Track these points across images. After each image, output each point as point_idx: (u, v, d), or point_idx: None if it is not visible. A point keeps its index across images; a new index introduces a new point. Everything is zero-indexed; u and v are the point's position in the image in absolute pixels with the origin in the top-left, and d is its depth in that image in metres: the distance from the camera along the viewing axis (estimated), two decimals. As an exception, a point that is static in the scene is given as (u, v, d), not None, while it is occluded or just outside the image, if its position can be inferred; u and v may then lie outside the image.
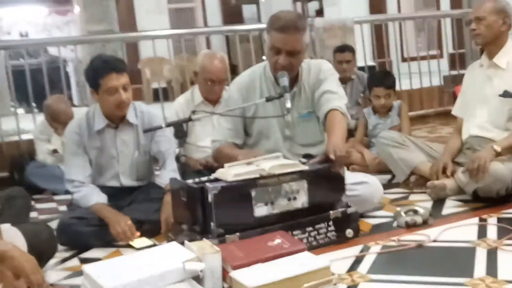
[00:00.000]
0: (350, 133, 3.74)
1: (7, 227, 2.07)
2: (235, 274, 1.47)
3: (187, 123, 2.39)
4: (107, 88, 2.53)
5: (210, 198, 1.95)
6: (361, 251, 2.05)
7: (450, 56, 6.17)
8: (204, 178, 2.18)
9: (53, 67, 7.13)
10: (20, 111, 6.20)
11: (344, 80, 4.22)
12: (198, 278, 1.50)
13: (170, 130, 2.65)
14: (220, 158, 2.53)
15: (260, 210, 2.03)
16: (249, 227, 1.99)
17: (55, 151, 4.02)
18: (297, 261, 1.52)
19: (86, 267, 1.47)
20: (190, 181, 2.13)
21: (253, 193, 2.02)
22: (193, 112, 2.50)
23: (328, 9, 8.18)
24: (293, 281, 1.43)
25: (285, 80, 2.40)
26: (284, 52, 2.37)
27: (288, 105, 2.34)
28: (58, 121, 3.99)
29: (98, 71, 2.54)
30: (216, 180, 2.11)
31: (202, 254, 1.52)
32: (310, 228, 2.11)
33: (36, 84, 4.88)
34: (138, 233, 2.45)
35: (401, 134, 3.13)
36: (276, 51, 2.39)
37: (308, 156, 2.43)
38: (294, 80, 2.51)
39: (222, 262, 1.53)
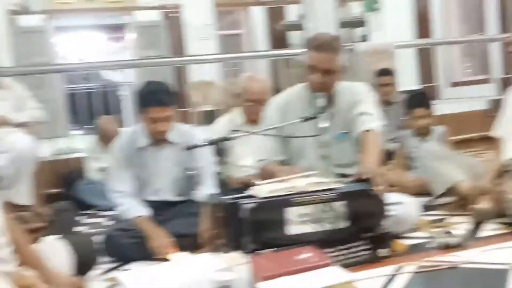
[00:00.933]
0: (391, 155, 3.74)
1: (51, 239, 2.19)
2: (263, 285, 1.52)
3: (226, 142, 2.48)
4: (149, 118, 2.68)
5: (243, 214, 2.01)
6: (395, 271, 2.05)
7: (499, 80, 6.07)
8: (240, 195, 2.25)
9: (107, 90, 7.43)
10: (76, 132, 6.48)
11: (386, 103, 4.24)
12: (228, 288, 1.55)
13: (210, 149, 2.76)
14: (264, 176, 2.60)
15: (294, 228, 2.07)
16: (282, 244, 2.02)
17: (103, 169, 4.21)
18: (322, 275, 1.56)
19: (121, 275, 1.56)
20: (226, 197, 2.20)
21: (286, 211, 2.06)
22: (232, 131, 2.59)
23: (374, 34, 8.18)
24: (318, 293, 1.47)
25: (321, 101, 2.47)
26: (320, 70, 2.46)
27: (324, 125, 2.40)
28: (107, 140, 4.17)
29: (145, 100, 2.70)
30: (251, 196, 2.17)
31: (232, 265, 1.58)
32: (344, 247, 2.13)
33: (90, 106, 5.14)
34: (171, 251, 2.52)
35: (443, 148, 3.12)
36: (312, 70, 2.48)
37: (343, 176, 2.47)
38: (331, 100, 2.57)
39: (251, 273, 1.58)
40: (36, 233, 2.31)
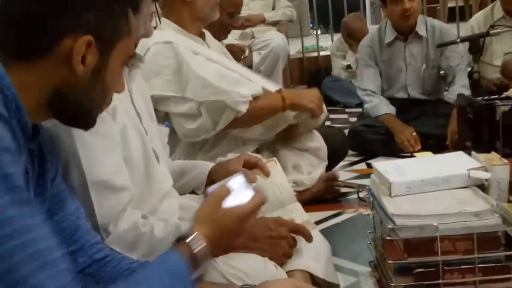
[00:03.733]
0: None
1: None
2: (523, 187, 1.45)
3: (483, 39, 2.31)
4: None
5: (498, 116, 1.90)
6: None
7: None
8: (494, 96, 2.11)
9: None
10: (320, 31, 6.64)
11: None
12: (482, 187, 1.52)
13: (464, 46, 2.60)
14: (507, 71, 2.41)
15: (558, 133, 1.89)
16: (541, 149, 1.88)
17: (348, 66, 4.29)
18: None
19: (376, 164, 1.63)
20: (478, 98, 2.09)
21: (550, 115, 1.88)
22: (492, 27, 2.39)
23: None
24: None
25: None
26: None
27: None
28: (353, 38, 4.20)
29: None
30: (507, 98, 2.03)
31: (489, 165, 1.53)
32: None
33: (334, 4, 5.20)
34: (419, 146, 2.53)
35: None
36: None
37: None
38: None
39: (510, 175, 1.52)
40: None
